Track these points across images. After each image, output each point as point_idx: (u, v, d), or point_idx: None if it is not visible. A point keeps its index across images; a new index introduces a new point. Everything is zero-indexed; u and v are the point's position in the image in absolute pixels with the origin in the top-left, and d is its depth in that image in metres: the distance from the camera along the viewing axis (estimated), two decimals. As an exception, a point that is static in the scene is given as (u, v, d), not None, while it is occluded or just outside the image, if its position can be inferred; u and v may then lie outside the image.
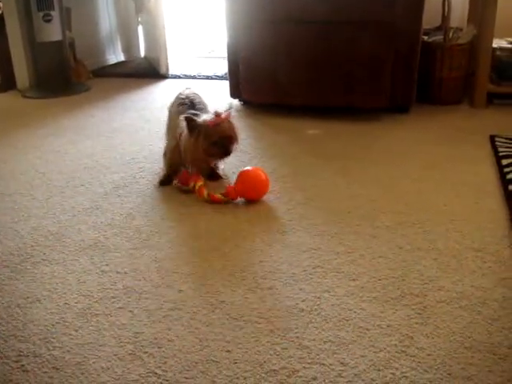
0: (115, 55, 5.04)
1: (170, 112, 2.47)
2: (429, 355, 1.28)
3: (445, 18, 3.41)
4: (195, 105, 2.32)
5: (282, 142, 2.80)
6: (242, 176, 2.10)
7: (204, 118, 2.14)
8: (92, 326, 1.42)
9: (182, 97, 2.38)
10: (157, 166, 2.48)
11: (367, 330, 1.38)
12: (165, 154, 2.42)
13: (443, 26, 3.38)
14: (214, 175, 2.36)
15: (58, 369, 1.27)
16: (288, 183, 2.28)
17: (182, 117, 2.15)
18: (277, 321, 1.42)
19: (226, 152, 2.17)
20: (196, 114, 2.16)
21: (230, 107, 2.19)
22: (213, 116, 2.12)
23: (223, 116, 2.12)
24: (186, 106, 2.30)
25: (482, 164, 2.42)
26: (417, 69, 3.04)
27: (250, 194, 2.09)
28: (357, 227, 1.90)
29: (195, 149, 2.14)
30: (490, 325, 1.38)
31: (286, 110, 3.18)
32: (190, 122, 2.11)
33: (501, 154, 2.44)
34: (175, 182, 2.22)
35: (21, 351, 1.33)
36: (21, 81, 4.09)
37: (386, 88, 3.01)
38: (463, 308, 1.45)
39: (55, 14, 3.84)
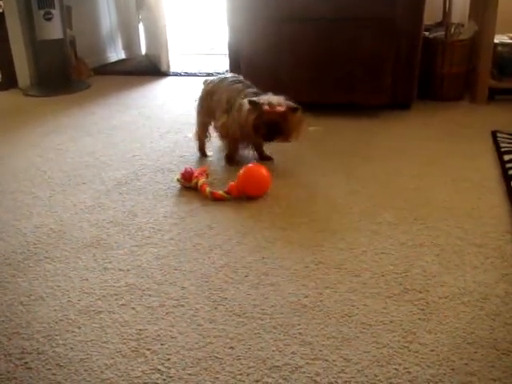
0: (116, 53, 5.04)
1: (216, 88, 2.52)
2: (432, 351, 1.28)
3: (446, 13, 3.41)
4: (247, 85, 2.47)
5: (284, 138, 2.80)
6: (244, 173, 2.10)
7: (265, 97, 2.30)
8: (95, 323, 1.42)
9: (231, 77, 2.52)
10: (159, 163, 2.48)
11: (370, 325, 1.38)
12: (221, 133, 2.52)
13: (444, 22, 3.39)
14: (264, 157, 2.52)
15: (61, 366, 1.28)
16: (289, 179, 2.28)
17: (245, 101, 2.30)
18: (279, 317, 1.42)
19: (268, 137, 2.30)
20: (257, 94, 2.36)
21: (297, 108, 2.28)
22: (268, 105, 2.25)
23: (278, 108, 2.24)
24: (242, 83, 2.46)
25: (484, 160, 2.42)
26: (418, 65, 3.04)
27: (251, 190, 2.09)
28: (358, 223, 1.90)
29: (247, 124, 2.29)
30: (492, 320, 1.38)
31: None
32: (253, 103, 2.26)
33: (503, 149, 2.44)
34: (178, 177, 2.23)
35: (24, 348, 1.34)
36: (22, 79, 4.09)
37: (387, 85, 3.01)
38: (466, 304, 1.45)
39: (56, 12, 3.85)
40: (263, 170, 2.12)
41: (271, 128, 2.26)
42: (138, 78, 4.36)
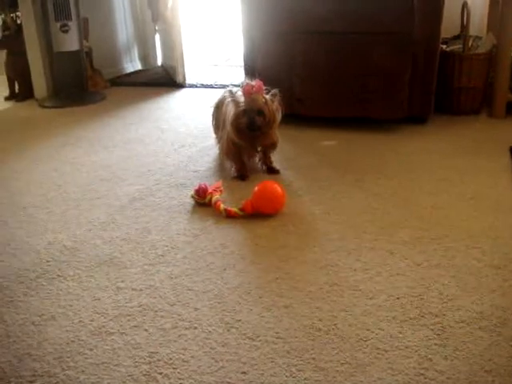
0: (132, 64, 5.06)
1: (221, 106, 2.57)
2: (448, 378, 1.26)
3: (464, 26, 3.38)
4: None
5: (298, 153, 2.79)
6: (259, 190, 2.09)
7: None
8: (107, 345, 1.41)
9: (236, 90, 2.49)
10: (173, 178, 2.47)
11: (385, 351, 1.35)
12: (221, 152, 2.60)
13: (462, 35, 3.35)
14: (270, 169, 2.53)
15: (72, 390, 1.27)
16: (304, 197, 2.26)
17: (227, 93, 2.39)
18: (293, 341, 1.40)
19: (251, 124, 2.29)
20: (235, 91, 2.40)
21: (275, 93, 2.33)
22: (245, 84, 2.31)
23: (256, 85, 2.29)
24: None
25: (501, 177, 2.38)
26: (435, 79, 3.02)
27: (266, 208, 2.08)
28: (374, 242, 1.87)
29: (231, 122, 2.33)
30: (510, 347, 1.35)
31: (302, 121, 3.16)
32: (231, 92, 2.35)
33: (521, 166, 2.41)
34: (192, 193, 2.21)
35: (35, 371, 1.33)
36: (38, 90, 4.11)
37: (403, 99, 2.99)
38: (483, 329, 1.42)
39: (72, 24, 3.86)
40: (278, 188, 2.10)
41: (252, 113, 2.28)
42: (153, 89, 4.36)
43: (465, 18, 3.33)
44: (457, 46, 3.33)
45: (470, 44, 3.28)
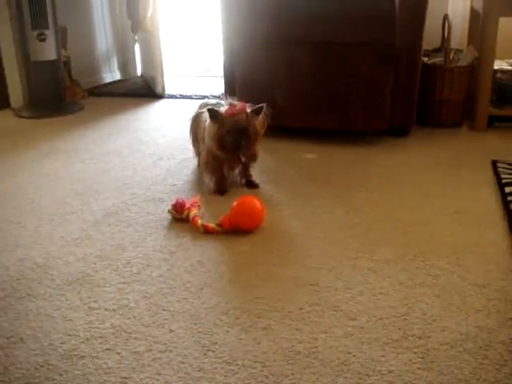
0: (111, 74, 4.99)
1: (198, 120, 2.53)
2: (433, 405, 1.21)
3: (445, 39, 3.36)
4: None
5: (278, 166, 2.74)
6: (237, 205, 2.04)
7: (223, 108, 2.29)
8: (77, 369, 1.34)
9: (213, 102, 2.49)
10: (150, 192, 2.41)
11: (367, 375, 1.30)
12: (201, 165, 2.55)
13: (443, 48, 3.34)
14: (249, 183, 2.48)
15: (38, 419, 1.20)
16: (284, 211, 2.21)
17: (205, 109, 2.31)
18: (272, 365, 1.34)
19: (236, 145, 2.25)
20: (217, 106, 2.35)
21: (261, 108, 2.28)
22: (228, 106, 2.26)
23: (238, 106, 2.25)
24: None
25: (484, 191, 2.35)
26: (417, 91, 2.99)
27: (245, 224, 2.02)
28: (355, 260, 1.83)
29: (213, 138, 2.28)
30: (497, 371, 1.31)
31: (283, 133, 3.11)
32: (212, 111, 2.25)
33: (504, 181, 2.38)
34: (169, 208, 2.16)
35: (0, 398, 1.26)
36: (15, 100, 4.03)
37: (385, 111, 2.96)
38: (468, 352, 1.37)
39: (50, 32, 3.79)
40: (257, 203, 2.05)
41: (236, 134, 2.24)
42: (132, 99, 4.30)
43: (446, 30, 3.31)
44: (438, 59, 3.31)
45: (451, 57, 3.26)
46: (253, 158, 2.44)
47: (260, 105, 2.28)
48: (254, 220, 2.04)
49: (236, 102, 2.30)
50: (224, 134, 2.25)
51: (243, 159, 2.40)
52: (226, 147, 2.28)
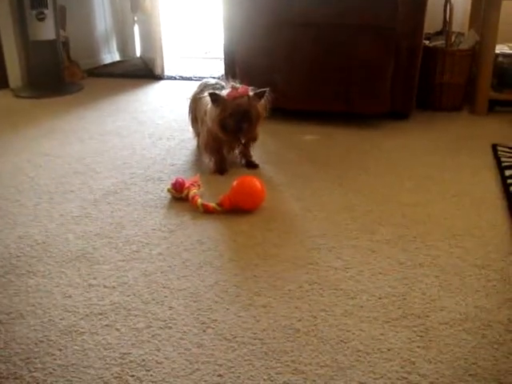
0: (110, 55, 4.97)
1: (197, 101, 2.52)
2: (431, 383, 1.21)
3: (446, 22, 3.34)
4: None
5: (279, 147, 2.74)
6: (237, 185, 2.03)
7: (224, 91, 2.28)
8: (77, 345, 1.35)
9: (213, 82, 2.50)
10: (149, 172, 2.41)
11: (367, 353, 1.31)
12: (200, 146, 2.54)
13: (445, 31, 3.32)
14: (249, 163, 2.47)
15: (38, 393, 1.20)
16: (284, 192, 2.21)
17: (206, 92, 2.30)
18: (271, 342, 1.34)
19: (238, 127, 2.24)
20: (218, 89, 2.34)
21: (263, 92, 2.27)
22: (230, 89, 2.25)
23: (240, 90, 2.23)
24: (220, 90, 2.39)
25: (484, 174, 2.35)
26: (418, 74, 2.98)
27: (244, 204, 2.02)
28: (355, 241, 1.83)
29: (215, 121, 2.27)
30: (495, 350, 1.31)
31: (283, 115, 3.10)
32: (214, 95, 2.25)
33: (504, 164, 2.38)
34: (169, 187, 2.15)
35: (0, 372, 1.26)
36: (13, 80, 4.00)
37: (385, 94, 2.95)
38: (467, 331, 1.38)
39: (49, 12, 3.76)
40: (257, 183, 2.05)
41: (238, 117, 2.23)
42: (131, 80, 4.28)
43: (447, 13, 3.29)
44: (439, 42, 3.30)
45: (452, 40, 3.24)
46: (252, 139, 2.43)
47: (263, 89, 2.27)
48: (254, 200, 2.04)
49: (238, 85, 2.29)
50: (226, 117, 2.25)
51: (243, 141, 2.39)
52: (227, 130, 2.27)
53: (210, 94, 2.26)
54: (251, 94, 2.26)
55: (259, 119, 2.31)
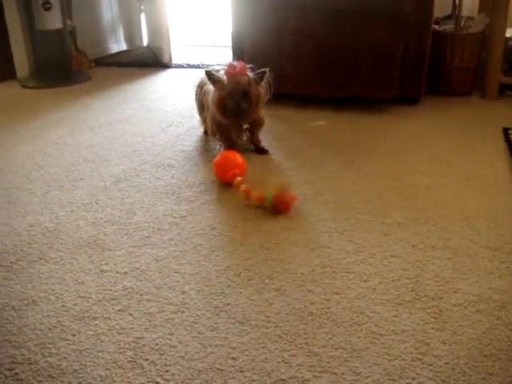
0: (117, 44, 4.95)
1: (203, 88, 2.51)
2: (446, 364, 1.21)
3: (456, 6, 3.31)
4: None
5: (288, 133, 2.73)
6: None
7: (223, 71, 2.26)
8: (90, 330, 1.35)
9: (219, 68, 2.45)
10: (159, 158, 2.40)
11: (380, 335, 1.30)
12: (207, 132, 2.54)
13: (454, 15, 3.29)
14: (258, 149, 2.45)
15: (53, 377, 1.20)
16: (294, 177, 2.20)
17: (204, 73, 2.28)
18: (285, 325, 1.34)
19: (237, 108, 2.20)
20: (217, 70, 2.32)
21: (264, 73, 2.26)
22: (228, 67, 2.22)
23: (238, 67, 2.20)
24: None
25: (495, 158, 2.34)
26: (427, 59, 2.95)
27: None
28: (367, 224, 1.82)
29: (214, 103, 2.26)
30: (510, 331, 1.30)
31: (292, 101, 3.09)
32: (211, 75, 2.24)
33: (515, 147, 2.36)
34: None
35: (15, 358, 1.26)
36: (20, 70, 4.00)
37: (394, 78, 2.92)
38: (481, 312, 1.37)
39: (55, 1, 3.74)
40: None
41: (238, 97, 2.20)
42: (139, 69, 4.27)
43: (457, -3, 3.26)
44: (449, 26, 3.27)
45: (462, 24, 3.21)
46: (258, 124, 2.41)
47: (262, 69, 2.24)
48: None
49: (235, 63, 2.25)
50: (225, 97, 2.22)
51: (244, 126, 2.38)
52: (227, 111, 2.25)
53: (207, 74, 2.24)
54: (251, 75, 2.24)
55: (259, 101, 2.28)
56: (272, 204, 1.88)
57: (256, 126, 2.41)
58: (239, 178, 2.03)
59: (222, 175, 2.09)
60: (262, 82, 2.27)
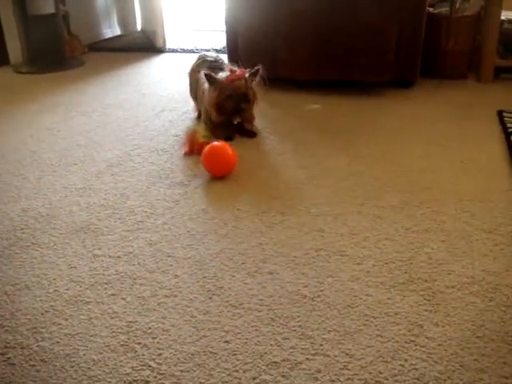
0: (111, 29, 4.91)
1: (196, 77, 2.53)
2: (439, 345, 1.21)
3: (451, -12, 3.29)
4: (225, 68, 2.47)
5: (282, 117, 2.71)
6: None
7: (222, 74, 2.32)
8: (83, 314, 1.34)
9: (211, 59, 2.54)
10: (153, 143, 2.39)
11: (374, 318, 1.30)
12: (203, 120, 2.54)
13: (449, -3, 3.27)
14: (245, 132, 2.45)
15: (46, 361, 1.20)
16: (289, 161, 2.19)
17: (201, 73, 2.32)
18: (278, 308, 1.34)
19: (236, 108, 2.30)
20: (214, 70, 2.36)
21: (257, 70, 2.31)
22: (228, 72, 2.29)
23: (238, 73, 2.28)
24: (217, 69, 2.43)
25: (490, 141, 2.33)
26: (422, 42, 2.94)
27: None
28: (361, 207, 1.81)
29: (212, 103, 2.32)
30: (503, 312, 1.31)
31: (286, 85, 3.08)
32: (210, 77, 2.29)
33: (510, 129, 2.36)
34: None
35: (7, 342, 1.26)
36: (14, 56, 3.97)
37: (389, 61, 2.91)
38: (474, 294, 1.37)
39: (47, -14, 3.71)
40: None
41: (237, 99, 2.28)
42: (133, 54, 4.24)
43: (452, -21, 3.24)
44: (443, 9, 3.25)
45: (457, 6, 3.19)
46: (249, 119, 2.44)
47: (256, 67, 2.31)
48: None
49: (236, 68, 2.32)
50: (224, 100, 2.28)
51: (235, 121, 2.42)
52: (225, 112, 2.31)
53: (206, 76, 2.28)
54: (247, 74, 2.30)
55: (256, 99, 2.36)
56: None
57: (246, 121, 2.45)
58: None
59: (213, 169, 2.09)
60: (256, 79, 2.33)
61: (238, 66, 2.37)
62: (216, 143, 2.10)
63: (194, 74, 2.57)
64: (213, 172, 2.05)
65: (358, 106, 2.83)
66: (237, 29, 3.12)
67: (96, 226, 1.74)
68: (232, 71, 2.30)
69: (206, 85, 2.33)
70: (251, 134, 2.44)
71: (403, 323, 1.28)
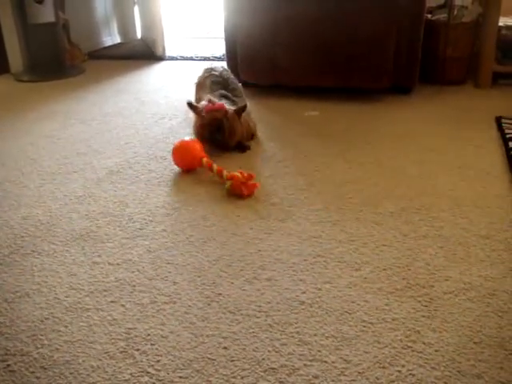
0: (111, 37, 4.94)
1: (203, 86, 2.63)
2: (436, 351, 1.21)
3: (448, -5, 3.31)
4: (229, 84, 2.55)
5: (282, 124, 2.73)
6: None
7: (204, 103, 2.36)
8: (82, 321, 1.35)
9: (216, 73, 2.58)
10: (152, 150, 2.40)
11: (371, 324, 1.31)
12: None
13: (447, 4, 3.28)
14: (237, 145, 2.42)
15: (45, 368, 1.21)
16: (288, 167, 2.20)
17: (187, 101, 2.38)
18: (276, 314, 1.35)
19: (212, 139, 2.31)
20: (220, 82, 2.53)
21: (244, 106, 2.35)
22: (208, 103, 2.32)
23: (216, 104, 2.30)
24: (220, 85, 2.52)
25: (488, 146, 2.34)
26: (420, 48, 2.96)
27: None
28: (359, 213, 1.82)
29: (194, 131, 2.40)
30: (500, 318, 1.31)
31: (285, 92, 3.10)
32: (191, 105, 2.35)
33: (508, 135, 2.36)
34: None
35: (7, 350, 1.26)
36: (14, 64, 3.99)
37: (388, 68, 2.92)
38: (471, 300, 1.38)
39: (47, -6, 3.73)
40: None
41: (212, 129, 2.29)
42: (133, 62, 4.27)
43: (450, -14, 3.26)
44: (442, 16, 3.27)
45: (455, 13, 3.21)
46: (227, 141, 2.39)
47: (242, 105, 2.34)
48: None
49: (215, 100, 2.35)
50: (202, 127, 2.32)
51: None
52: (203, 137, 2.32)
53: (188, 105, 2.35)
54: (230, 110, 2.31)
55: (235, 133, 2.33)
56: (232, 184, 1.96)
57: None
58: (205, 159, 2.11)
59: (184, 162, 2.18)
60: (241, 117, 2.34)
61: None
62: (186, 139, 2.25)
63: (200, 85, 2.66)
64: (180, 166, 2.18)
65: (357, 113, 2.85)
66: (236, 36, 3.14)
67: (96, 233, 1.75)
68: (211, 102, 2.32)
69: (208, 82, 2.41)
70: (243, 148, 2.40)
71: (401, 329, 1.29)
